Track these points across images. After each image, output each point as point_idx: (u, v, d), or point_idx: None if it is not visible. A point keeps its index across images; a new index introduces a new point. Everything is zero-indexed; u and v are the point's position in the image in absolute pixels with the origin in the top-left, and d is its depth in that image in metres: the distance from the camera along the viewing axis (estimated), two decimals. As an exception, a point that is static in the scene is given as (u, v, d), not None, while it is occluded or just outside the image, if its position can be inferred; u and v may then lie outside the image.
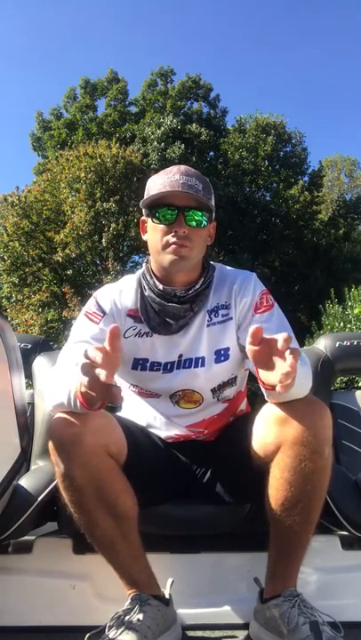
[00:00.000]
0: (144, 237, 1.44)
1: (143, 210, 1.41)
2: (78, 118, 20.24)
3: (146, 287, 1.40)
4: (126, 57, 39.26)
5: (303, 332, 10.52)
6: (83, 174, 13.10)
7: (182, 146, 17.12)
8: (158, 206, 1.34)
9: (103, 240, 12.78)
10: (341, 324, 7.44)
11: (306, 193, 19.49)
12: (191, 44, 38.65)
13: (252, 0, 36.11)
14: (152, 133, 17.72)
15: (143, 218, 1.43)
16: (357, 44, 38.60)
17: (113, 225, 12.80)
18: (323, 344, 2.04)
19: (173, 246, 1.32)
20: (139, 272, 1.47)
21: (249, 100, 40.43)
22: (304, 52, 40.27)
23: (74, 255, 13.07)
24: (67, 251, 13.01)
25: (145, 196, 1.36)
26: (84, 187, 13.13)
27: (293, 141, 20.31)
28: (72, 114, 20.40)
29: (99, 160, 13.26)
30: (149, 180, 1.40)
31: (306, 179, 20.61)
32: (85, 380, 1.01)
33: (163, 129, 17.65)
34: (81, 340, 1.34)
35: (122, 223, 12.99)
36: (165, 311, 1.37)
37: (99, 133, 18.47)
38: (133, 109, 20.72)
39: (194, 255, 1.36)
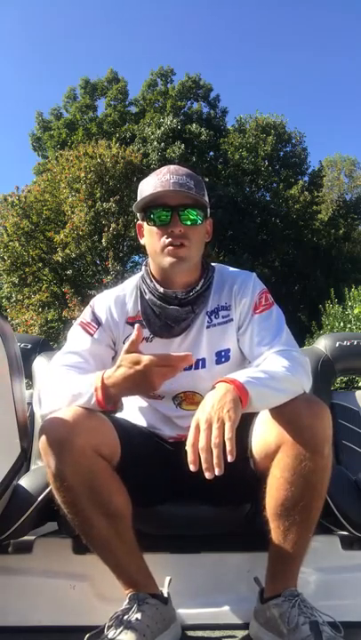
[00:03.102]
0: (142, 241, 1.43)
1: (138, 214, 1.40)
2: (78, 118, 20.24)
3: (146, 291, 1.40)
4: (126, 57, 39.29)
5: (303, 332, 10.52)
6: (83, 174, 13.10)
7: (182, 146, 17.12)
8: (152, 208, 1.33)
9: (103, 240, 12.78)
10: (341, 323, 7.43)
11: (306, 193, 19.50)
12: (191, 44, 38.66)
13: (253, 0, 36.12)
14: (152, 133, 17.71)
15: (139, 222, 1.43)
16: (358, 44, 38.63)
17: (113, 225, 12.80)
18: (323, 344, 2.05)
19: (171, 248, 1.32)
20: (137, 275, 1.46)
21: (249, 100, 40.50)
22: (304, 51, 40.31)
23: (74, 255, 13.07)
24: (67, 251, 13.01)
25: (137, 200, 1.36)
26: (84, 187, 13.13)
27: (293, 141, 20.32)
28: (72, 114, 20.40)
29: (99, 160, 13.26)
30: (140, 183, 1.40)
31: (306, 179, 20.63)
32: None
33: (163, 129, 17.65)
34: (73, 352, 1.35)
35: (122, 223, 12.99)
36: (166, 314, 1.37)
37: (99, 133, 18.46)
38: (133, 109, 20.72)
39: (193, 254, 1.36)
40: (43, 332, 12.50)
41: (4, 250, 13.48)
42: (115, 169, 13.37)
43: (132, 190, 13.30)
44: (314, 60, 39.80)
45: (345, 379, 5.41)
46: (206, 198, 1.37)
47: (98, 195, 13.12)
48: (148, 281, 1.40)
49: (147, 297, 1.39)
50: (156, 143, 17.37)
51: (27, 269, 13.87)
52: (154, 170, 1.43)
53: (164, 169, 1.36)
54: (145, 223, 1.38)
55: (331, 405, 1.93)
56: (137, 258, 14.39)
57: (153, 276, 1.41)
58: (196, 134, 18.28)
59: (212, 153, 19.46)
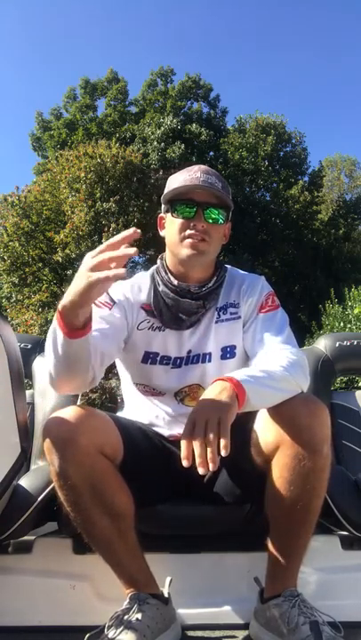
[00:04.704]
0: (161, 233, 1.47)
1: (162, 206, 1.44)
2: (78, 118, 20.23)
3: (160, 282, 1.43)
4: (126, 57, 39.26)
5: (303, 332, 10.52)
6: (83, 174, 13.09)
7: (182, 146, 17.12)
8: (178, 201, 1.37)
9: (103, 240, 12.76)
10: (341, 324, 7.43)
11: (306, 193, 19.49)
12: (191, 44, 38.65)
13: (253, 0, 36.11)
14: (152, 133, 17.71)
15: (161, 214, 1.47)
16: (357, 44, 38.62)
17: (113, 225, 12.79)
18: (323, 344, 2.05)
19: (191, 240, 1.36)
20: (152, 268, 1.50)
21: (249, 100, 40.46)
22: (304, 52, 40.31)
23: (74, 255, 13.06)
24: (67, 251, 13.00)
25: (165, 192, 1.40)
26: (84, 187, 13.12)
27: (293, 141, 20.32)
28: (72, 114, 20.40)
29: (99, 160, 13.25)
30: (170, 177, 1.44)
31: (306, 179, 20.62)
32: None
33: (163, 129, 17.65)
34: None
35: (122, 223, 12.98)
36: (178, 307, 1.40)
37: (99, 133, 18.45)
38: (133, 109, 20.72)
39: (211, 251, 1.39)
40: (43, 331, 12.48)
41: (4, 250, 13.46)
42: (115, 169, 13.36)
43: (132, 190, 13.30)
44: (314, 60, 39.85)
45: (345, 379, 5.41)
46: (231, 202, 1.41)
47: (98, 195, 13.11)
48: (163, 273, 1.44)
49: (160, 288, 1.43)
50: (156, 143, 17.37)
51: (27, 269, 13.86)
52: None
53: (195, 167, 1.41)
54: (169, 214, 1.41)
55: (331, 405, 1.93)
56: (137, 258, 14.39)
57: (168, 268, 1.44)
58: (196, 134, 18.28)
59: (212, 153, 19.46)
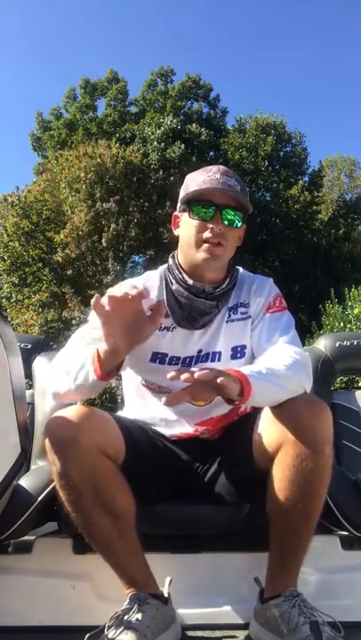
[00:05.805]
0: (175, 232, 1.47)
1: (178, 205, 1.44)
2: (78, 118, 20.22)
3: (173, 281, 1.43)
4: (126, 57, 39.18)
5: (303, 332, 10.52)
6: (82, 174, 13.09)
7: (182, 146, 17.10)
8: (196, 202, 1.37)
9: (103, 240, 12.76)
10: (341, 324, 7.44)
11: (306, 193, 19.47)
12: (191, 44, 38.58)
13: (252, 0, 36.10)
14: (152, 133, 17.69)
15: (176, 213, 1.46)
16: (357, 44, 38.61)
17: (113, 225, 12.79)
18: (323, 344, 2.05)
19: (208, 245, 1.35)
20: (162, 267, 1.50)
21: (249, 100, 40.29)
22: (304, 51, 40.27)
23: (74, 255, 13.06)
24: (67, 251, 13.00)
25: (182, 192, 1.40)
26: (83, 187, 13.12)
27: (293, 141, 20.29)
28: (72, 114, 20.38)
29: (98, 160, 13.25)
30: (188, 176, 1.44)
31: (306, 179, 20.59)
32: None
33: (163, 129, 17.63)
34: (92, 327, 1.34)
35: (122, 223, 12.98)
36: (192, 306, 1.40)
37: (99, 133, 18.44)
38: (133, 109, 20.70)
39: (226, 255, 1.40)
40: (43, 331, 12.47)
41: (4, 250, 13.47)
42: (115, 169, 13.35)
43: (132, 190, 13.30)
44: (314, 60, 39.74)
45: (345, 379, 5.41)
46: (248, 204, 1.40)
47: (98, 195, 13.10)
48: (177, 272, 1.43)
49: (173, 287, 1.42)
50: (156, 143, 17.34)
51: (27, 269, 13.86)
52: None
53: (214, 167, 1.40)
54: (185, 214, 1.41)
55: (331, 405, 1.93)
56: (137, 258, 14.40)
57: (182, 267, 1.44)
58: (196, 134, 18.26)
59: (212, 153, 19.42)
